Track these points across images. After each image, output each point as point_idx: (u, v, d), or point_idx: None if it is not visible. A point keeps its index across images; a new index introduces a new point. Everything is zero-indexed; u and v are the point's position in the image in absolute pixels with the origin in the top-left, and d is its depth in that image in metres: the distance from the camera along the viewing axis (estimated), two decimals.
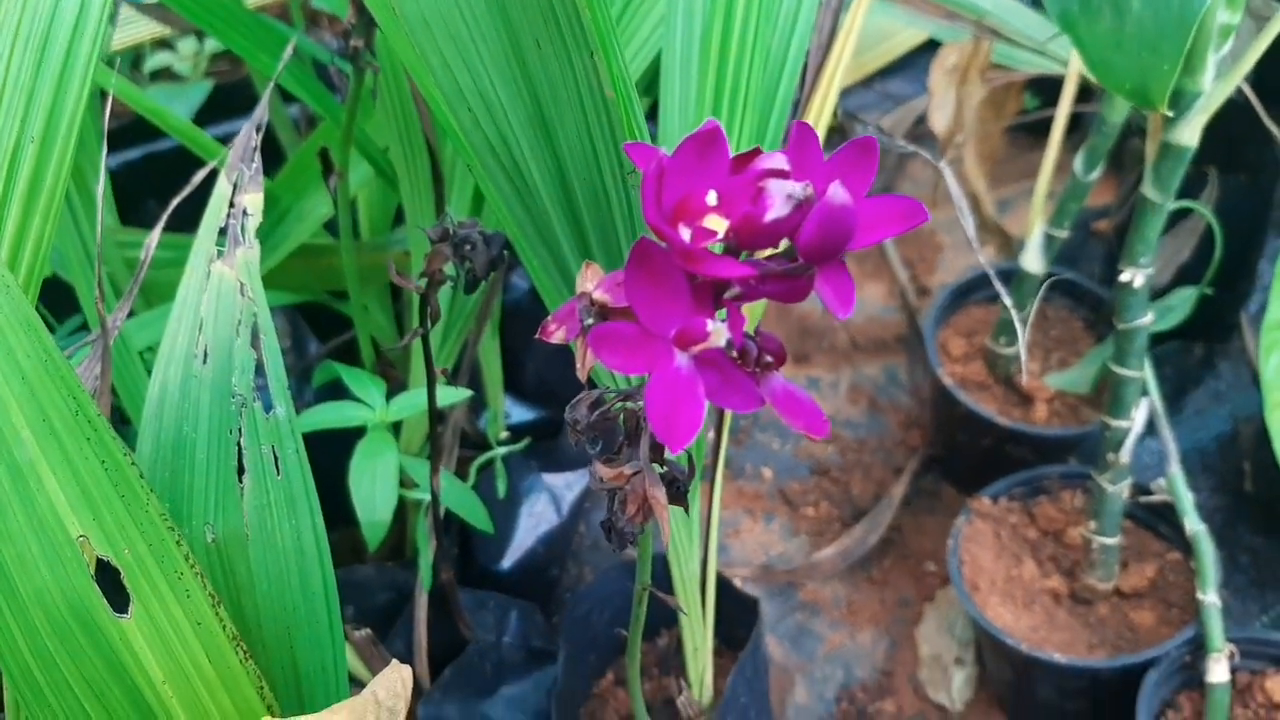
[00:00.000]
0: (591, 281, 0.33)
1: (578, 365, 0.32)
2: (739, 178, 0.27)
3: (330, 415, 0.63)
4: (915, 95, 1.17)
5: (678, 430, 0.27)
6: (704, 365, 0.28)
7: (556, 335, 0.33)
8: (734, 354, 0.28)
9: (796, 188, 0.26)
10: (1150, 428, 0.74)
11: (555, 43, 0.32)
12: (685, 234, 0.27)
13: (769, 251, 0.29)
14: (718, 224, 0.27)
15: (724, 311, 0.28)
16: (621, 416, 0.37)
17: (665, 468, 0.36)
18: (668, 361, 0.28)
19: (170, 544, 0.38)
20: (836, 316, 0.27)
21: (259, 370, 0.43)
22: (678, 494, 0.37)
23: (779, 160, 0.26)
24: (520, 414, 0.89)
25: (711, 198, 0.26)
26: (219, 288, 0.44)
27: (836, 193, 0.25)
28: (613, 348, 0.28)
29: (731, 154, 0.27)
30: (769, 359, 0.29)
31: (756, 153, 0.27)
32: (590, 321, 0.31)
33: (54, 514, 0.35)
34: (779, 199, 0.26)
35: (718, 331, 0.27)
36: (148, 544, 0.37)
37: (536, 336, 0.33)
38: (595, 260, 0.42)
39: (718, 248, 0.28)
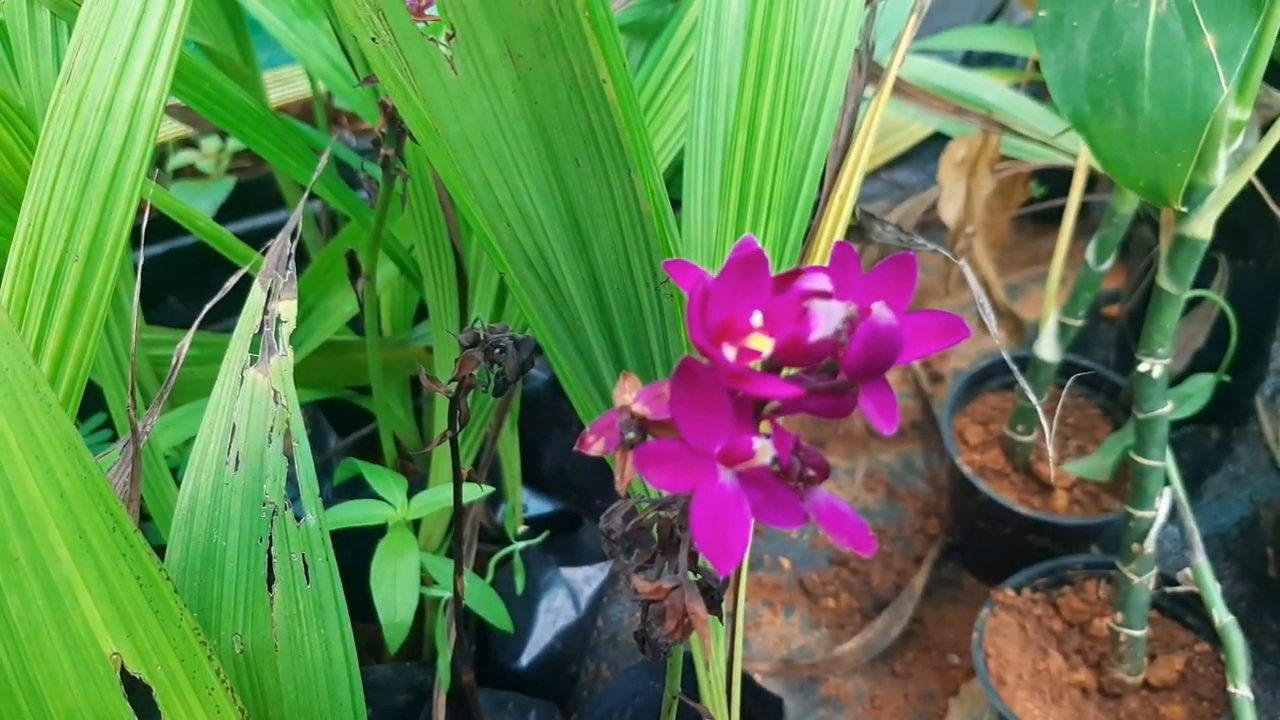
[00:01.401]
0: (630, 393, 0.33)
1: (617, 478, 0.32)
2: (782, 298, 0.27)
3: (353, 514, 0.63)
4: (921, 184, 1.19)
5: (726, 550, 0.26)
6: (748, 482, 0.28)
7: (595, 447, 0.33)
8: (776, 469, 0.28)
9: (841, 308, 0.26)
10: (1170, 512, 0.74)
11: (594, 161, 0.33)
12: (730, 354, 0.27)
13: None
14: (762, 344, 0.27)
15: (768, 427, 0.29)
16: (656, 526, 0.37)
17: (699, 575, 0.36)
18: (712, 479, 0.28)
19: (202, 659, 0.37)
20: (882, 433, 0.27)
21: (290, 478, 0.43)
22: (713, 604, 0.37)
23: (822, 280, 0.27)
24: (537, 506, 0.88)
25: (757, 319, 0.27)
26: (252, 394, 0.44)
27: (882, 313, 0.25)
28: (657, 466, 0.28)
29: (772, 273, 0.28)
30: (811, 473, 0.29)
31: (799, 273, 0.27)
32: (631, 435, 0.31)
33: (88, 631, 0.35)
34: (824, 320, 0.26)
35: (764, 449, 0.27)
36: (180, 659, 0.37)
37: (575, 449, 0.34)
38: (627, 366, 0.42)
39: (757, 365, 0.28)
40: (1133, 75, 0.57)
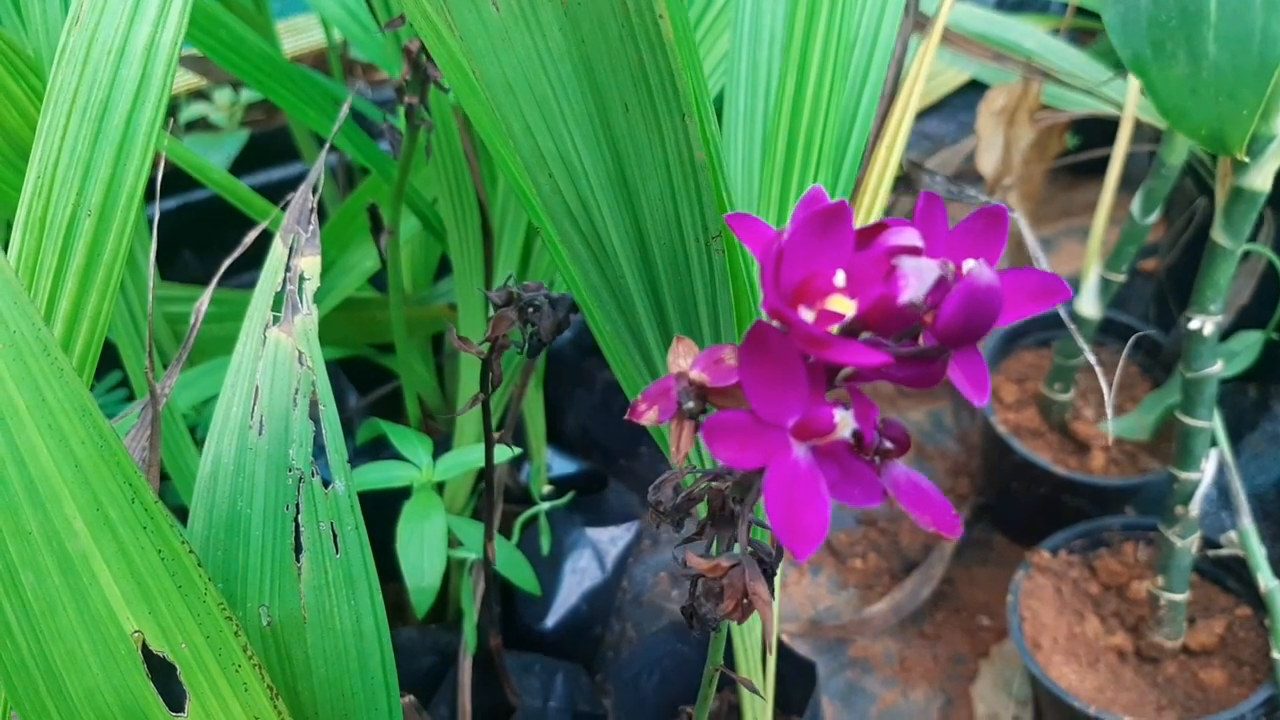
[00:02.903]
0: (686, 358, 0.31)
1: (672, 449, 0.30)
2: (866, 255, 0.25)
3: (377, 475, 0.61)
4: (950, 134, 1.15)
5: (804, 532, 0.24)
6: (823, 457, 0.26)
7: (648, 416, 0.31)
8: (853, 443, 0.26)
9: (935, 266, 0.23)
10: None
11: (644, 106, 0.31)
12: (808, 317, 0.25)
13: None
14: (844, 306, 0.25)
15: (845, 396, 0.26)
16: (706, 497, 0.35)
17: (752, 550, 0.34)
18: (785, 454, 0.25)
19: (229, 635, 0.36)
20: (974, 404, 0.24)
21: (317, 442, 0.41)
22: (766, 576, 0.35)
23: (911, 235, 0.24)
24: (562, 466, 0.86)
25: (840, 278, 0.24)
26: (275, 355, 0.42)
27: (982, 272, 0.23)
28: (725, 439, 0.25)
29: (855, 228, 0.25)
30: (890, 446, 0.27)
31: (883, 226, 0.25)
32: (690, 405, 0.29)
33: (107, 608, 0.33)
34: (914, 279, 0.24)
35: (844, 421, 0.25)
36: (205, 636, 0.35)
37: (626, 418, 0.31)
38: (673, 327, 0.40)
39: (836, 329, 0.26)
40: (1197, 18, 0.54)
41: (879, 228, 0.25)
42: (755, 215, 0.29)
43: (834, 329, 0.25)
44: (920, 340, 0.26)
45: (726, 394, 0.30)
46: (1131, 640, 0.77)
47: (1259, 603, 0.74)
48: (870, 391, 0.27)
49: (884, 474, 0.27)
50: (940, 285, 0.24)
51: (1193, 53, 0.54)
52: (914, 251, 0.24)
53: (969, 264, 0.23)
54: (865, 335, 0.27)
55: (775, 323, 0.25)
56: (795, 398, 0.25)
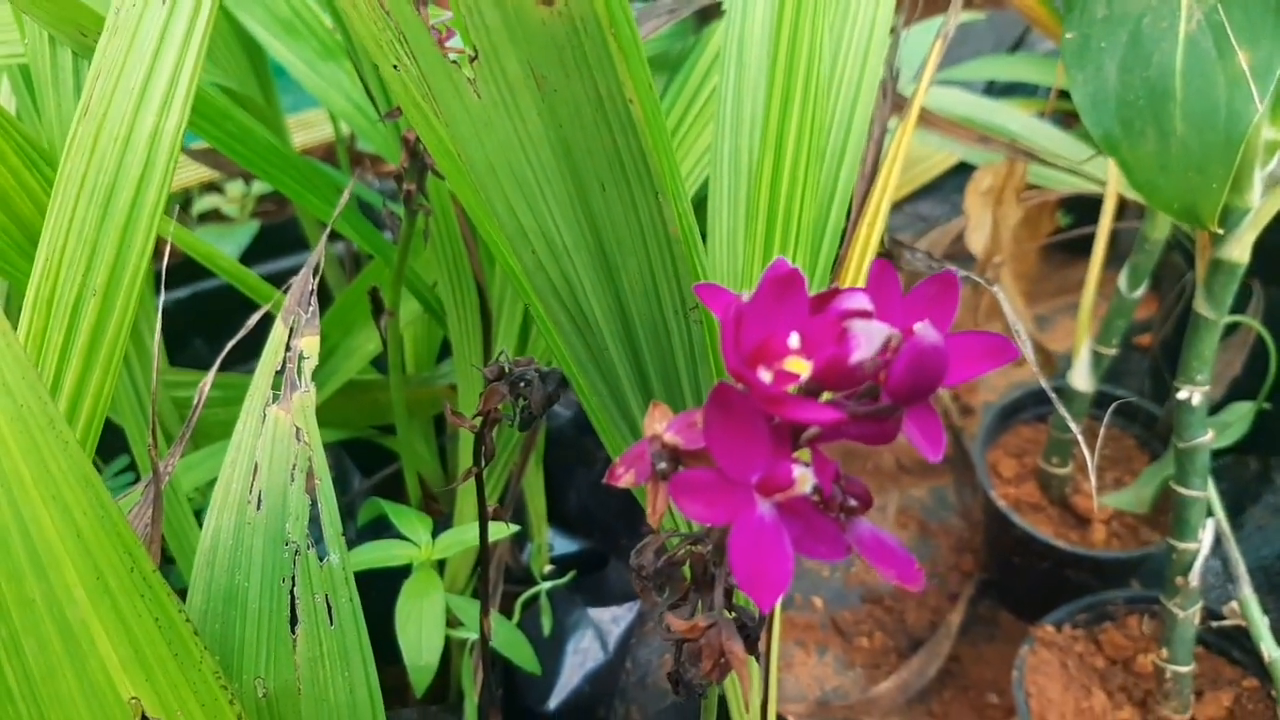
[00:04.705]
0: (661, 423, 0.32)
1: (649, 511, 0.31)
2: (820, 319, 0.26)
3: (377, 554, 0.62)
4: (944, 216, 1.18)
5: (766, 585, 0.25)
6: (787, 513, 0.27)
7: (625, 479, 0.32)
8: (817, 499, 0.27)
9: (883, 328, 0.25)
10: (1213, 544, 0.72)
11: (620, 185, 0.32)
12: (767, 377, 0.26)
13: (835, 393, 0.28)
14: (800, 366, 0.26)
15: (807, 455, 0.27)
16: (689, 562, 0.36)
17: (734, 614, 0.35)
18: (750, 510, 0.26)
19: (224, 703, 0.36)
20: (928, 458, 0.26)
21: (313, 517, 0.42)
22: (748, 642, 0.35)
23: (861, 300, 0.26)
24: (563, 545, 0.87)
25: (794, 340, 0.26)
26: (274, 432, 0.44)
27: (927, 333, 0.24)
28: (692, 496, 0.27)
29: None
30: (854, 503, 0.28)
31: (836, 292, 0.26)
32: (663, 466, 0.30)
33: (105, 675, 0.34)
34: (865, 340, 0.25)
35: (804, 477, 0.26)
36: (200, 704, 0.36)
37: (604, 481, 0.32)
38: (656, 396, 0.41)
39: (795, 389, 0.27)
40: (1164, 96, 0.56)
41: (832, 293, 0.26)
42: (731, 289, 0.31)
43: (791, 388, 0.26)
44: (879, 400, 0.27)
45: (699, 456, 0.31)
46: (1139, 715, 0.76)
47: (1265, 674, 0.73)
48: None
49: (849, 530, 0.28)
50: (889, 346, 0.25)
51: (1161, 130, 0.56)
52: (865, 315, 0.26)
53: (918, 326, 0.25)
54: (827, 396, 0.28)
55: (739, 384, 0.27)
56: (758, 455, 0.26)
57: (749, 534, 0.26)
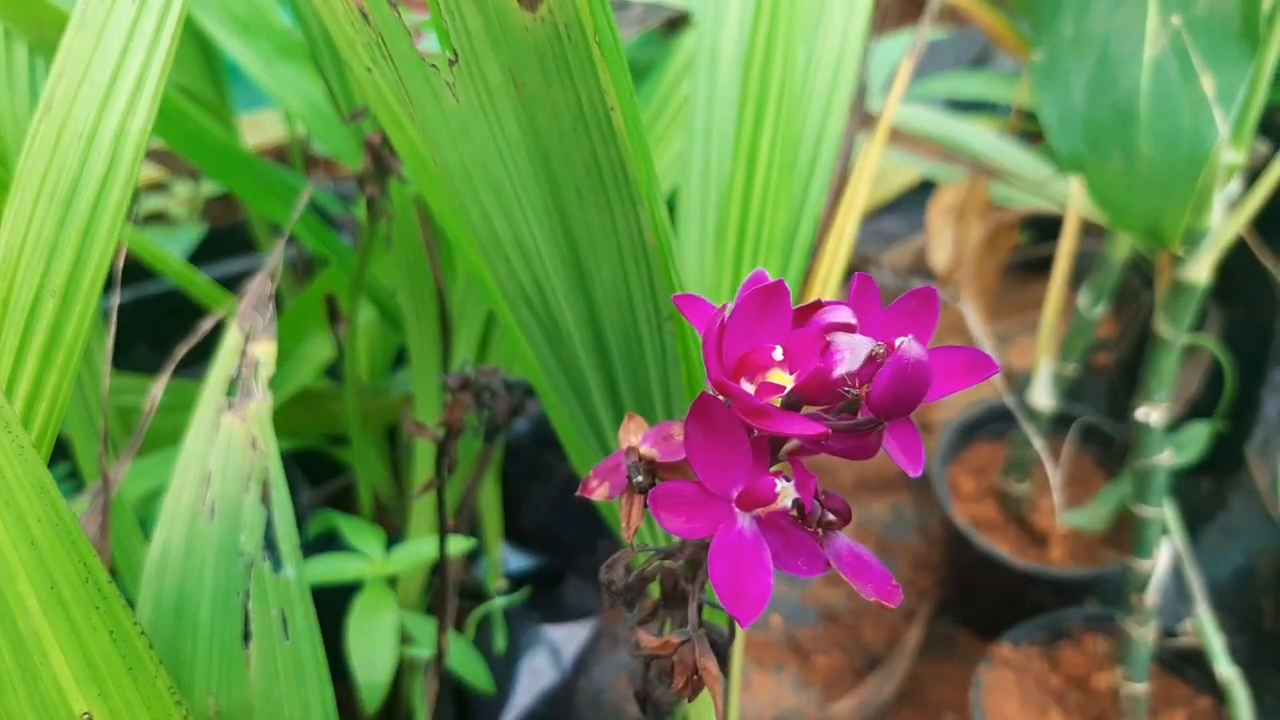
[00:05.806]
0: (636, 435, 0.31)
1: (623, 525, 0.30)
2: (803, 332, 0.26)
3: (327, 568, 0.60)
4: (906, 232, 1.18)
5: (746, 600, 0.25)
6: (767, 527, 0.26)
7: (599, 492, 0.31)
8: (796, 513, 0.27)
9: (867, 342, 0.24)
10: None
11: (597, 193, 0.32)
12: (749, 389, 0.25)
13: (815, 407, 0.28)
14: (783, 379, 0.25)
15: (786, 469, 0.27)
16: (659, 577, 0.35)
17: (703, 630, 0.34)
18: (730, 524, 0.26)
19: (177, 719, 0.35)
20: (909, 474, 0.25)
21: (269, 529, 0.41)
22: (720, 660, 0.35)
23: (845, 313, 0.25)
24: (518, 561, 0.86)
25: (778, 353, 0.25)
26: (228, 441, 0.42)
27: (911, 347, 0.24)
28: (673, 510, 0.26)
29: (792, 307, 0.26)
30: (832, 518, 0.27)
31: (820, 305, 0.26)
32: (640, 479, 0.29)
33: (58, 689, 0.32)
34: (848, 354, 0.24)
35: (785, 491, 0.25)
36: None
37: (577, 494, 0.32)
38: (627, 408, 0.40)
39: (777, 401, 0.27)
40: (1129, 118, 0.56)
41: (815, 306, 0.26)
42: (703, 298, 0.30)
43: (774, 401, 0.25)
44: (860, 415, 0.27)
45: (675, 469, 0.30)
46: None
47: (1219, 693, 0.74)
48: (829, 484, 0.27)
49: (827, 545, 0.27)
50: (873, 360, 0.24)
51: (1126, 151, 0.56)
52: (848, 328, 0.25)
53: (901, 340, 0.24)
54: (808, 410, 0.27)
55: (721, 396, 0.26)
56: (739, 468, 0.26)
57: (729, 548, 0.25)
